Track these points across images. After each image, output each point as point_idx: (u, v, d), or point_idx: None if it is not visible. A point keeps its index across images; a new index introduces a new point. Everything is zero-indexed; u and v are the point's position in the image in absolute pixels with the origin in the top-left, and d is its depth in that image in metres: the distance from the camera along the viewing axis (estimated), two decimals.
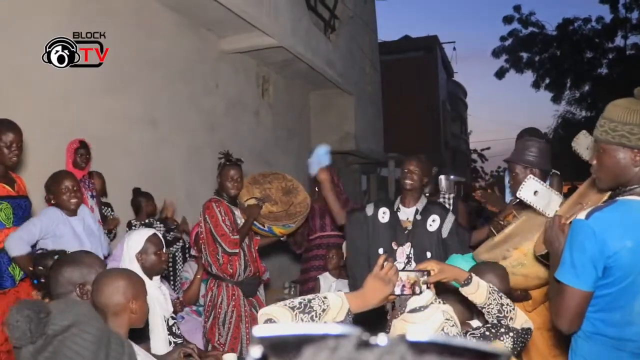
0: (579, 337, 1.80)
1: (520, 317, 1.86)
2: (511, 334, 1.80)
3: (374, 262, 1.70)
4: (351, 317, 1.55)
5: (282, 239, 4.24)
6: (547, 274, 2.53)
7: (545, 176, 2.86)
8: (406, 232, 3.28)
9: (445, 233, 3.23)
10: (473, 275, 1.88)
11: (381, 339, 0.43)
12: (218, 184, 3.92)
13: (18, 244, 2.95)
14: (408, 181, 3.29)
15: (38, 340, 1.30)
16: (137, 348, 2.02)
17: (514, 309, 1.86)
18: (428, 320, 1.52)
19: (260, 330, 0.43)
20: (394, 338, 0.43)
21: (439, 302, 1.61)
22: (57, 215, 3.15)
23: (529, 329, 1.87)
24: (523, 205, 2.64)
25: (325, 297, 1.51)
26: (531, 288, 2.62)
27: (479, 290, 1.85)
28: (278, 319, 1.43)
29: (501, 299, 1.86)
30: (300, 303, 1.47)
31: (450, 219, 3.29)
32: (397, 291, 1.75)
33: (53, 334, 1.25)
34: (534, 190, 2.44)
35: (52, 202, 3.21)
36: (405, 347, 0.42)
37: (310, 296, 1.52)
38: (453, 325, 1.56)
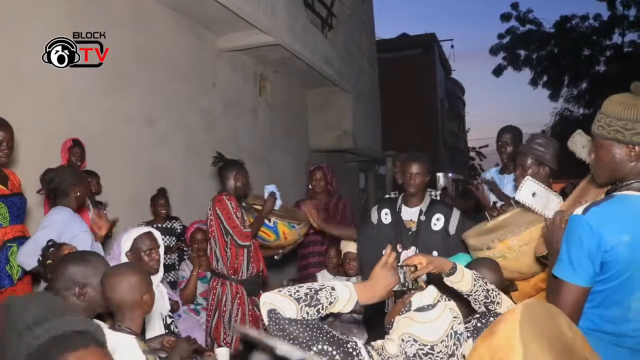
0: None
1: (506, 301, 1.87)
2: None
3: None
4: (358, 308, 1.54)
5: (276, 257, 4.34)
6: (529, 270, 2.56)
7: (550, 177, 2.87)
8: (410, 233, 3.27)
9: (452, 230, 3.23)
10: (457, 264, 1.88)
11: None
12: (229, 184, 3.90)
13: (29, 258, 2.94)
14: (412, 190, 3.31)
15: None
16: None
17: (499, 293, 1.87)
18: (438, 319, 1.51)
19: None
20: None
21: (445, 299, 1.60)
22: (66, 216, 3.09)
23: None
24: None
25: (333, 289, 1.50)
26: (512, 279, 2.65)
27: (464, 278, 1.85)
28: (283, 311, 1.41)
29: (486, 285, 1.86)
30: (306, 295, 1.45)
31: (455, 215, 3.29)
32: (402, 280, 1.76)
33: None
34: (532, 192, 2.45)
35: (75, 193, 3.20)
36: None
37: (317, 285, 1.50)
38: (460, 323, 1.56)
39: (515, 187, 3.04)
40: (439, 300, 1.57)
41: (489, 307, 1.84)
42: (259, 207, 4.08)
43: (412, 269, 1.84)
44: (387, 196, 3.65)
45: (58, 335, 1.04)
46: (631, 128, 1.67)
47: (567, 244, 1.73)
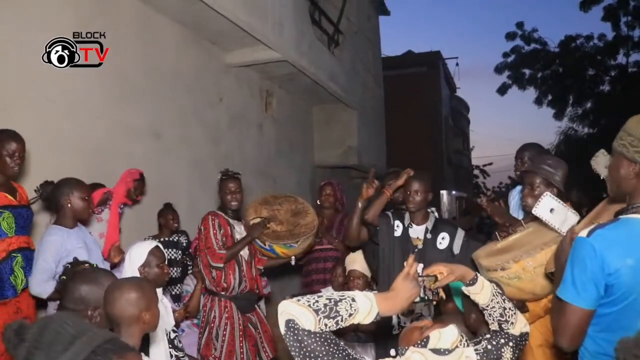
0: (584, 357, 1.78)
1: (520, 322, 1.82)
2: (510, 343, 1.75)
3: (393, 273, 1.69)
4: (379, 319, 1.52)
5: (291, 262, 4.11)
6: (543, 291, 2.53)
7: (560, 198, 2.85)
8: (416, 250, 3.28)
9: (457, 249, 3.25)
10: (478, 275, 1.85)
11: None
12: (219, 199, 3.95)
13: (44, 287, 2.97)
14: (411, 205, 3.33)
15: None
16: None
17: (515, 313, 1.82)
18: None
19: None
20: None
21: (464, 344, 1.57)
22: (59, 236, 3.10)
23: (527, 333, 1.84)
24: (535, 220, 2.62)
25: (353, 300, 1.47)
26: (524, 300, 2.62)
27: (483, 291, 1.81)
28: (301, 322, 1.38)
29: (504, 302, 1.82)
30: (325, 306, 1.42)
31: (460, 235, 3.32)
32: (421, 293, 1.73)
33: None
34: (551, 208, 2.41)
35: (67, 204, 3.18)
36: None
37: (337, 296, 1.47)
38: None
39: (522, 206, 3.01)
40: (457, 346, 1.55)
41: (502, 325, 1.79)
42: (258, 219, 3.98)
43: (433, 279, 1.80)
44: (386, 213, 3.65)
45: (99, 345, 1.04)
46: (636, 145, 1.68)
47: (572, 265, 1.72)
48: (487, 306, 1.81)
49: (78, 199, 3.20)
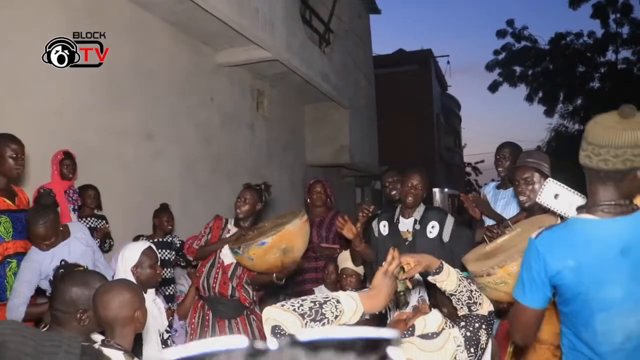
0: (564, 352, 1.81)
1: (486, 301, 1.86)
2: (484, 326, 1.78)
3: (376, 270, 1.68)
4: (365, 318, 1.51)
5: (277, 281, 3.76)
6: None
7: None
8: (407, 243, 3.29)
9: (446, 237, 3.24)
10: (444, 263, 1.86)
11: (272, 344, 0.43)
12: None
13: (16, 312, 2.89)
14: (410, 199, 3.32)
15: None
16: None
17: (481, 294, 1.85)
18: (442, 349, 1.50)
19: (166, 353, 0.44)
20: (285, 339, 0.43)
21: (449, 326, 1.58)
22: (36, 262, 3.02)
23: (493, 311, 1.88)
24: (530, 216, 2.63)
25: (338, 302, 1.46)
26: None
27: (449, 278, 1.83)
28: (287, 327, 1.36)
29: (470, 285, 1.85)
30: (310, 309, 1.40)
31: (449, 221, 3.31)
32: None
33: None
34: (555, 194, 2.36)
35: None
36: (297, 347, 0.42)
37: (321, 298, 1.46)
38: (463, 352, 1.55)
39: (519, 202, 3.02)
40: (443, 328, 1.56)
41: (472, 307, 1.82)
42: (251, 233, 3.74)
43: (399, 270, 1.80)
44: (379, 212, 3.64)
45: None
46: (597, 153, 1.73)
47: (522, 266, 1.76)
48: (456, 291, 1.83)
49: (40, 226, 3.03)
